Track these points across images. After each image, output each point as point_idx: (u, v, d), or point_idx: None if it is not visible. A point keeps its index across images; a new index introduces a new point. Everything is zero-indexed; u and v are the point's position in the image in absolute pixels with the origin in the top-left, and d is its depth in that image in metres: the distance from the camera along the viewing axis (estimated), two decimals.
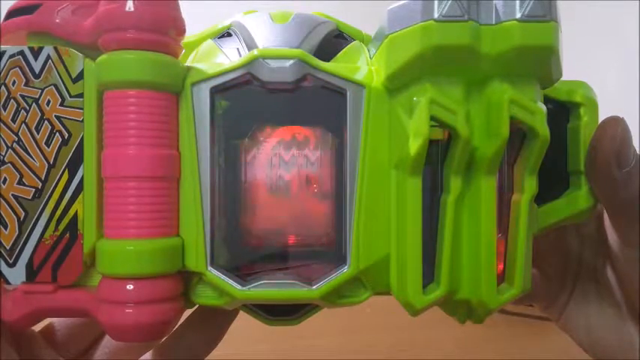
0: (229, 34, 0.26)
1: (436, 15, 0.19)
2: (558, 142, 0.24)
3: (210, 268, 0.21)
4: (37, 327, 0.25)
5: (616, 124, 0.23)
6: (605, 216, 0.26)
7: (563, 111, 0.24)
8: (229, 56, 0.24)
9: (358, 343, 0.48)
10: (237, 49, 0.24)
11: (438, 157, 0.22)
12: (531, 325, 0.48)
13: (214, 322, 0.27)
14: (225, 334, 0.27)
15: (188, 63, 0.25)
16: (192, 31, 0.25)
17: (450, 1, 0.19)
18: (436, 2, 0.19)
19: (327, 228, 0.23)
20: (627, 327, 0.26)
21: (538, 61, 0.20)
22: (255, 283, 0.21)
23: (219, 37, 0.26)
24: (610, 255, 0.26)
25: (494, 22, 0.20)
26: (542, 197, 0.23)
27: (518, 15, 0.19)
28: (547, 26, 0.19)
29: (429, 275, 0.21)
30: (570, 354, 0.32)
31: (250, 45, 0.24)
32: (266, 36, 0.24)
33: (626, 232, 0.24)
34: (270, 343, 0.44)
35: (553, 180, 0.24)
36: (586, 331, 0.27)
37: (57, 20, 0.22)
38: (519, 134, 0.21)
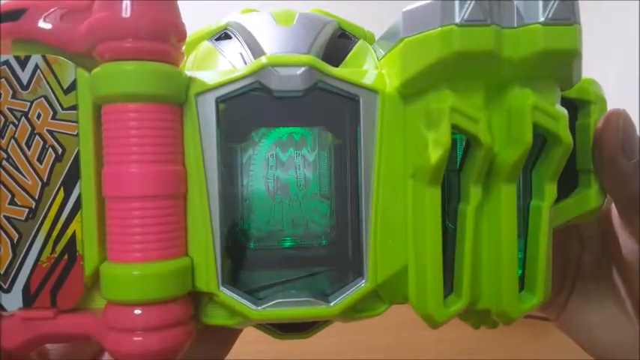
0: (228, 36, 0.24)
1: (457, 19, 0.18)
2: None
3: (222, 288, 0.20)
4: None
5: (618, 116, 0.23)
6: (614, 212, 0.25)
7: (570, 108, 0.24)
8: (232, 61, 0.22)
9: (358, 343, 0.47)
10: (241, 54, 0.22)
11: (455, 160, 0.21)
12: (531, 325, 0.48)
13: (223, 332, 0.26)
14: (233, 345, 0.26)
15: (187, 65, 0.23)
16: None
17: (472, 3, 0.18)
18: (457, 3, 0.18)
19: (332, 228, 0.22)
20: (631, 325, 0.26)
21: (561, 65, 0.19)
22: (270, 303, 0.20)
23: (216, 39, 0.24)
24: (615, 253, 0.26)
25: (516, 25, 0.19)
26: None
27: (541, 18, 0.18)
28: (571, 29, 0.19)
29: (447, 286, 0.21)
30: (570, 354, 0.32)
31: (255, 49, 0.22)
32: (272, 40, 0.22)
33: (636, 225, 0.24)
34: (270, 343, 0.43)
35: (561, 178, 0.23)
36: (586, 330, 0.27)
37: (45, 27, 0.20)
38: (539, 139, 0.21)
